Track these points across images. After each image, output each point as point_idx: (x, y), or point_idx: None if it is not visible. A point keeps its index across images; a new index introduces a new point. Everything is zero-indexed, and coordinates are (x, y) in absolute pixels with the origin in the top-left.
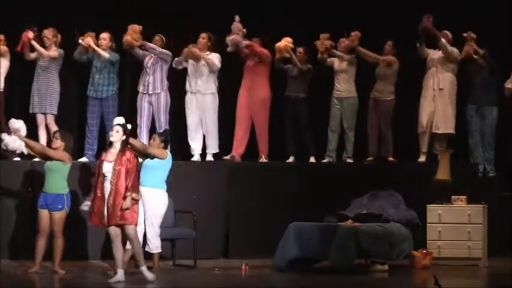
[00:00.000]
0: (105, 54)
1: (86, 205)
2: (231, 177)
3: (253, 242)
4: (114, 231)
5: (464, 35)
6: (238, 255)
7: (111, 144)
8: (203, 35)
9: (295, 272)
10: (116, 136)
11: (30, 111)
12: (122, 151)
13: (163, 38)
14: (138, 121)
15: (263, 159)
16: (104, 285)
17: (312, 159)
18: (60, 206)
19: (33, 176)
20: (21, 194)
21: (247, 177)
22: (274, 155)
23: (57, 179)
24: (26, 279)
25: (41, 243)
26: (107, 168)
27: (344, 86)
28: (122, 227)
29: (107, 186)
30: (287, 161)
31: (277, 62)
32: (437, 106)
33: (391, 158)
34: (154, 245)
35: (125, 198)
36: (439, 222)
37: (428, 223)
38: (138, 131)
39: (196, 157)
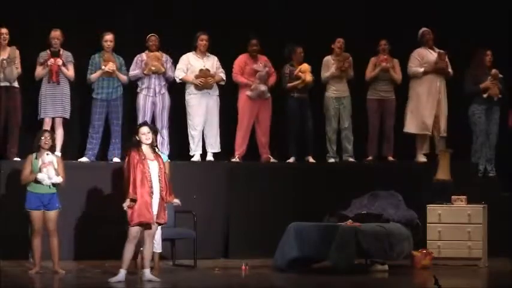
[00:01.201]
0: (124, 78)
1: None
2: (231, 177)
3: (253, 242)
4: (138, 232)
5: (493, 72)
6: (238, 255)
7: (139, 144)
8: (205, 36)
9: (295, 272)
10: (151, 138)
11: (42, 116)
12: (155, 151)
13: (158, 38)
14: (140, 121)
15: (269, 159)
16: (104, 284)
17: (311, 159)
18: (57, 205)
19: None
20: (16, 193)
21: (247, 177)
22: (274, 155)
23: None
24: (27, 280)
25: (38, 244)
26: (153, 166)
27: (341, 86)
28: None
29: (156, 185)
30: (287, 161)
31: (289, 86)
32: (442, 111)
33: (391, 158)
34: (160, 245)
35: (166, 199)
36: (439, 222)
37: (428, 223)
38: None
39: (196, 157)
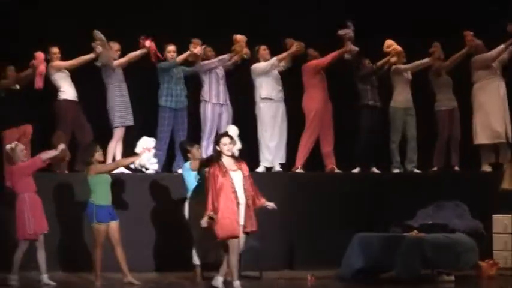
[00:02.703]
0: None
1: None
2: (295, 188)
3: (318, 253)
4: (238, 243)
5: None
6: (303, 266)
7: (220, 156)
8: (266, 46)
9: (361, 282)
10: (232, 147)
11: (118, 124)
12: (237, 159)
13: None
14: (207, 131)
15: (334, 170)
16: None
17: (375, 170)
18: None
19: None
20: (73, 206)
21: (311, 188)
22: (340, 165)
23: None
24: None
25: (101, 256)
26: (236, 177)
27: (407, 96)
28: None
29: (241, 195)
30: (353, 171)
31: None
32: (507, 115)
33: (457, 167)
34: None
35: (254, 205)
36: (505, 232)
37: (494, 233)
38: (204, 142)
39: (262, 168)
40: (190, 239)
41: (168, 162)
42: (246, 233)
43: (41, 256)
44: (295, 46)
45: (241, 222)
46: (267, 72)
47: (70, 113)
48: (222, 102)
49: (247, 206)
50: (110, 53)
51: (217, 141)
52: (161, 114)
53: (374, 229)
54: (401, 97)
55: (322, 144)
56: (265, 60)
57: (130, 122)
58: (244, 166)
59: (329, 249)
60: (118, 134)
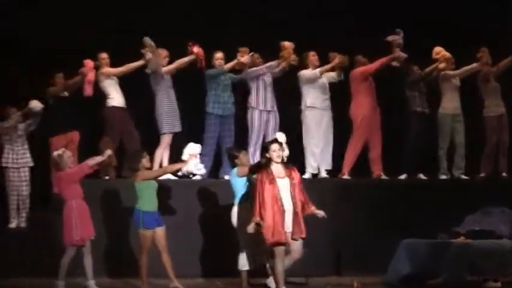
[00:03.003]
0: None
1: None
2: (341, 194)
3: (364, 259)
4: (284, 250)
5: None
6: (349, 272)
7: (269, 162)
8: (314, 52)
9: None
10: (281, 154)
11: (166, 131)
12: (287, 166)
13: None
14: (254, 138)
15: (381, 176)
16: None
17: (422, 176)
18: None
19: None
20: (119, 212)
21: (358, 194)
22: (387, 171)
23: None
24: None
25: (147, 262)
26: (282, 183)
27: (456, 103)
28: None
29: (288, 202)
30: (399, 177)
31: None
32: None
33: (505, 174)
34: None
35: (303, 211)
36: None
37: None
38: (251, 149)
39: (308, 174)
40: (236, 245)
41: (214, 169)
42: (295, 240)
43: (88, 262)
44: (337, 59)
45: (289, 229)
46: (312, 81)
47: (118, 119)
48: (269, 109)
49: (295, 213)
50: (159, 60)
51: (266, 148)
52: (208, 121)
53: (420, 235)
54: (450, 103)
55: (370, 149)
56: (314, 66)
57: (178, 128)
58: (295, 173)
59: (375, 255)
60: (165, 140)
